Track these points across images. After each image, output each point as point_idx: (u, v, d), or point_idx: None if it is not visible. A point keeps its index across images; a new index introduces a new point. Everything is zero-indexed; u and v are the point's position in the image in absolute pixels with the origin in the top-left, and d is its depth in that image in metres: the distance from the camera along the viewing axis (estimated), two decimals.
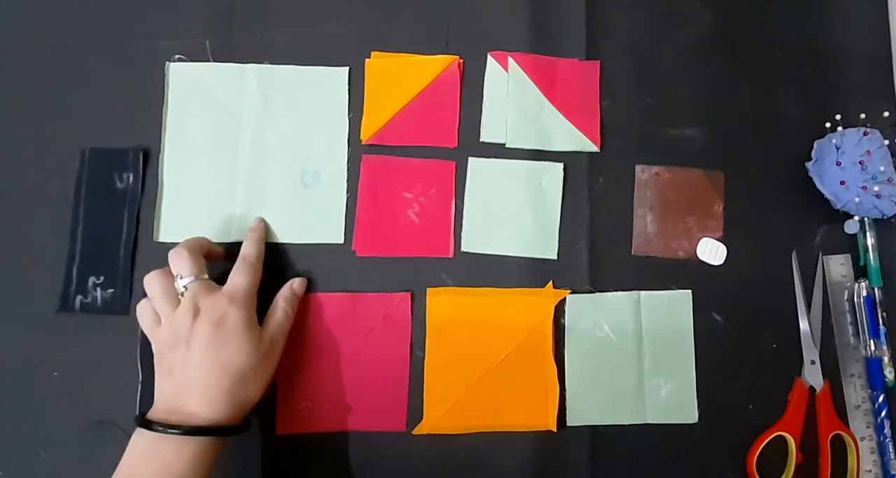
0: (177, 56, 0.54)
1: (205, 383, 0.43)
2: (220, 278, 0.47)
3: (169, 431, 0.41)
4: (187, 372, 0.43)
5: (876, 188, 0.52)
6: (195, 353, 0.43)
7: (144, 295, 0.47)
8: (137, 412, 0.49)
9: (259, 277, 0.49)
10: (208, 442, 0.42)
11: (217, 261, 0.50)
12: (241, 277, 0.47)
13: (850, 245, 0.56)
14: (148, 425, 0.41)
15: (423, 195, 0.54)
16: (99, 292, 0.51)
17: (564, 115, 0.55)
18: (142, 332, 0.49)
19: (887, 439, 0.53)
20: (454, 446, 0.51)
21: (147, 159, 0.53)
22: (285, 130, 0.54)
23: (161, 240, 0.52)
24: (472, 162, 0.54)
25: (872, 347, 0.54)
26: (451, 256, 0.53)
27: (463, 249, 0.53)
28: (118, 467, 0.41)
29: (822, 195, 0.55)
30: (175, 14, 0.55)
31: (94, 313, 0.51)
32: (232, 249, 0.51)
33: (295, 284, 0.51)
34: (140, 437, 0.42)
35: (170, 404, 0.43)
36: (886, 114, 0.54)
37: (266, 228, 0.52)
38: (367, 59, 0.55)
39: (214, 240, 0.52)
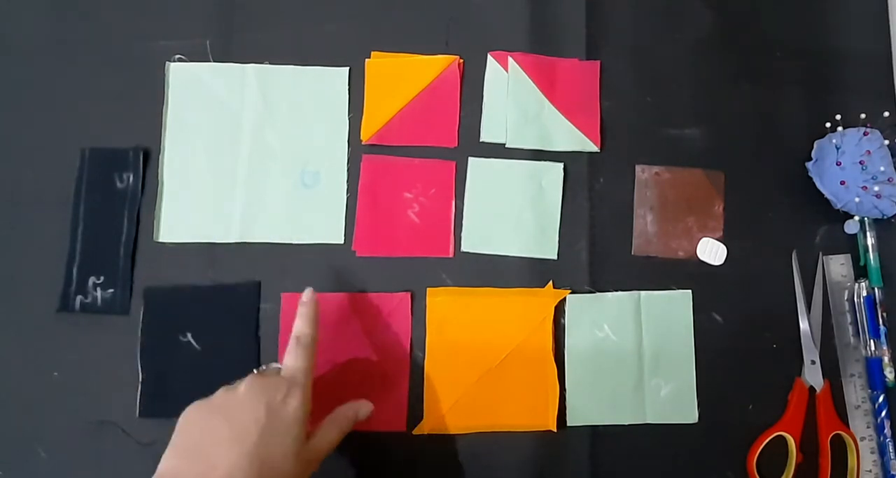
0: (177, 56, 0.54)
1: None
2: None
3: None
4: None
5: (876, 188, 0.52)
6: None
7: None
8: (137, 413, 0.49)
9: (315, 359, 0.45)
10: None
11: None
12: (294, 360, 0.43)
13: (850, 245, 0.56)
14: None
15: (423, 195, 0.54)
16: (99, 292, 0.51)
17: (564, 115, 0.55)
18: (142, 331, 0.50)
19: (887, 439, 0.53)
20: (454, 446, 0.51)
21: (147, 159, 0.53)
22: (285, 130, 0.54)
23: (161, 240, 0.52)
24: (472, 162, 0.54)
25: (872, 347, 0.54)
26: (451, 256, 0.53)
27: (463, 249, 0.53)
28: None
29: (822, 195, 0.55)
30: (175, 14, 0.55)
31: (94, 313, 0.51)
32: (232, 250, 0.51)
33: (361, 411, 0.46)
34: None
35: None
36: (886, 114, 0.54)
37: (317, 303, 0.46)
38: (367, 59, 0.55)
39: (214, 240, 0.52)
